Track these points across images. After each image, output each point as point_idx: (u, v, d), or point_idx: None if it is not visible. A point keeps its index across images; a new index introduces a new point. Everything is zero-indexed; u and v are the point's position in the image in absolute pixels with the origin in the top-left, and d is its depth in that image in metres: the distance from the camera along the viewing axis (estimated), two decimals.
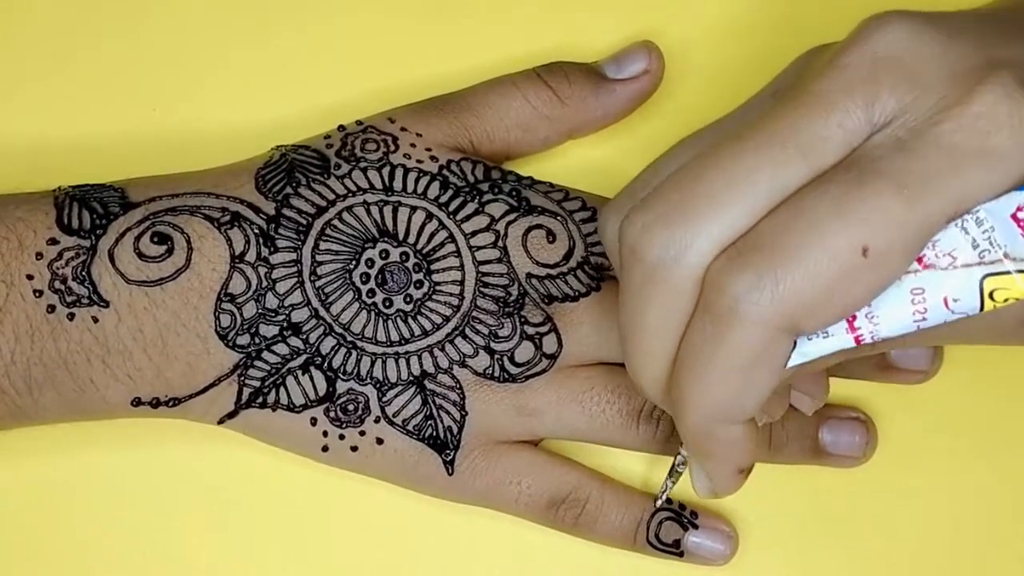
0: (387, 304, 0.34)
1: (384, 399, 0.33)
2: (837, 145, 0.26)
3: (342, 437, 0.33)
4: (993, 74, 0.25)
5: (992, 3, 0.31)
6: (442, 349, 0.34)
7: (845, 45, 0.26)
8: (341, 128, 0.35)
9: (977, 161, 0.25)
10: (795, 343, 0.26)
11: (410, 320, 0.34)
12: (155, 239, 0.33)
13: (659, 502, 0.34)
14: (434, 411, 0.33)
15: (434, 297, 0.34)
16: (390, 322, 0.33)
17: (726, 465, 0.29)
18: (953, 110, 0.25)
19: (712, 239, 0.26)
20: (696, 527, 0.35)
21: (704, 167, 0.26)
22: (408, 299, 0.34)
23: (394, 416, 0.33)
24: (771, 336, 0.26)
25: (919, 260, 0.26)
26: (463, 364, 0.33)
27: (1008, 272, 0.26)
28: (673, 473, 0.33)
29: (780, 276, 0.25)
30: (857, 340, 0.27)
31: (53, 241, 0.32)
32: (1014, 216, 0.25)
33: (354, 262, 0.33)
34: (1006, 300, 0.26)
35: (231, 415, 0.33)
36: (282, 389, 0.33)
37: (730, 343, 0.26)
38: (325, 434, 0.33)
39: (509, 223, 0.34)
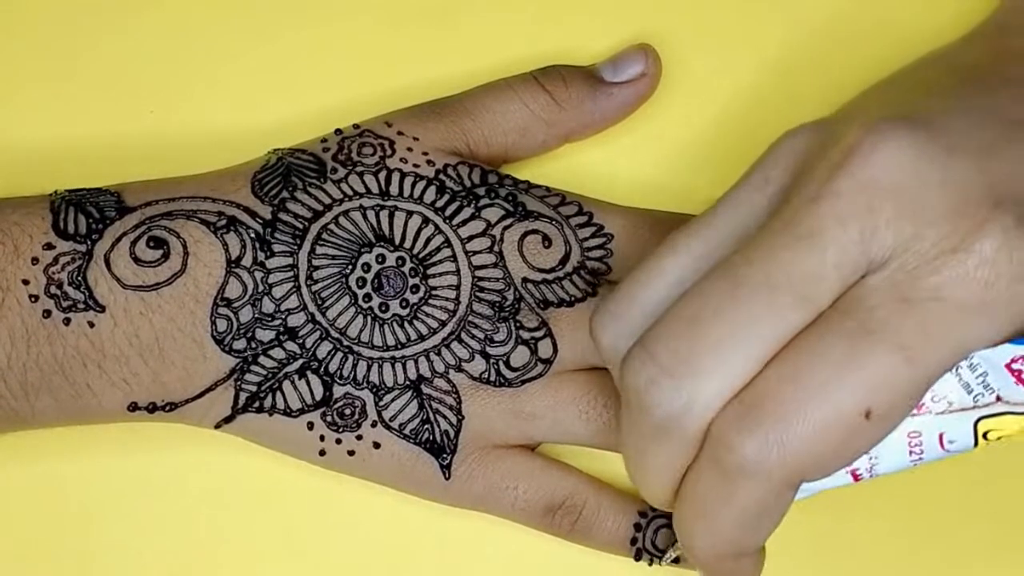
0: (383, 309, 0.33)
1: (381, 403, 0.33)
2: (833, 283, 0.26)
3: (339, 441, 0.33)
4: (993, 216, 0.25)
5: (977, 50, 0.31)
6: (438, 353, 0.34)
7: (839, 166, 0.26)
8: (338, 132, 0.35)
9: (975, 315, 0.25)
10: None
11: (406, 325, 0.34)
12: (151, 244, 0.33)
13: (665, 561, 0.34)
14: (431, 415, 0.33)
15: (430, 302, 0.34)
16: (386, 327, 0.33)
17: None
18: (953, 257, 0.25)
19: (717, 392, 0.26)
20: None
21: (704, 314, 0.26)
22: (404, 304, 0.34)
23: (391, 420, 0.33)
24: (777, 491, 0.26)
25: (917, 405, 0.26)
26: (459, 368, 0.33)
27: (1001, 414, 0.27)
28: (677, 549, 0.34)
29: (786, 440, 0.25)
30: (855, 477, 0.28)
31: (49, 246, 0.32)
32: (1008, 366, 0.26)
33: (350, 267, 0.33)
34: (999, 438, 0.27)
35: (228, 420, 0.33)
36: (279, 394, 0.33)
37: (739, 498, 0.26)
38: (322, 438, 0.33)
39: (505, 228, 0.34)
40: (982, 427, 0.27)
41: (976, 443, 0.27)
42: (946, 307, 0.25)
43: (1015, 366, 0.26)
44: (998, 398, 0.26)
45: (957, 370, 0.26)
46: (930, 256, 0.25)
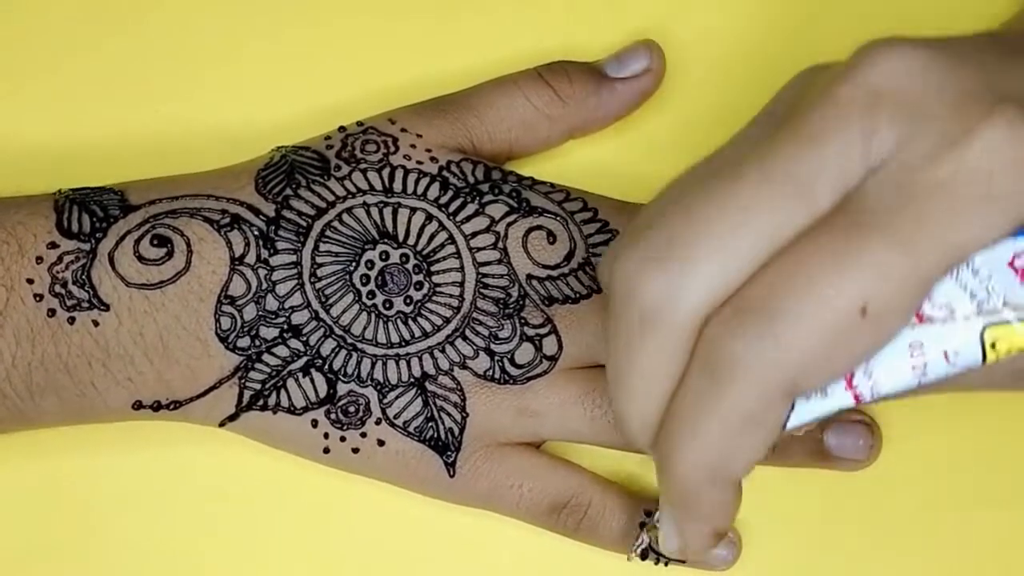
0: (387, 306, 0.33)
1: (385, 401, 0.33)
2: (834, 184, 0.25)
3: (343, 439, 0.33)
4: (997, 108, 0.24)
5: (1000, 28, 0.30)
6: (442, 351, 0.33)
7: (842, 73, 0.25)
8: (342, 129, 0.35)
9: (977, 208, 0.24)
10: (793, 404, 0.26)
11: (410, 322, 0.33)
12: (155, 242, 0.33)
13: (631, 556, 0.33)
14: (435, 413, 0.33)
15: (434, 299, 0.34)
16: (390, 324, 0.33)
17: (704, 526, 0.28)
18: (954, 151, 0.24)
19: (709, 283, 0.25)
20: None
21: (699, 204, 0.25)
22: (408, 301, 0.33)
23: (395, 418, 0.33)
24: (769, 397, 0.25)
25: (916, 314, 0.25)
26: (463, 366, 0.33)
27: (1009, 322, 0.25)
28: (650, 528, 0.33)
29: (778, 337, 0.24)
30: (856, 398, 0.26)
31: (53, 245, 0.32)
32: (1011, 264, 0.25)
33: (354, 264, 0.33)
34: (1009, 351, 0.25)
35: (232, 418, 0.33)
36: (283, 391, 0.33)
37: (727, 402, 0.25)
38: (326, 436, 0.33)
39: (509, 224, 0.34)
40: (989, 336, 0.25)
41: (984, 356, 0.25)
42: (945, 201, 0.24)
43: (1017, 263, 0.25)
44: (1005, 303, 0.25)
45: (958, 273, 0.25)
46: (931, 151, 0.24)
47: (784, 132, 0.25)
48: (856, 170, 0.25)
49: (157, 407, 0.33)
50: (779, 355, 0.24)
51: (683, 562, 0.34)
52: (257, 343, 0.33)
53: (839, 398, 0.26)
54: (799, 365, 0.24)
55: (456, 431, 0.33)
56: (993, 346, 0.25)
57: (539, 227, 0.34)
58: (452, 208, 0.34)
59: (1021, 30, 0.29)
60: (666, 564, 0.34)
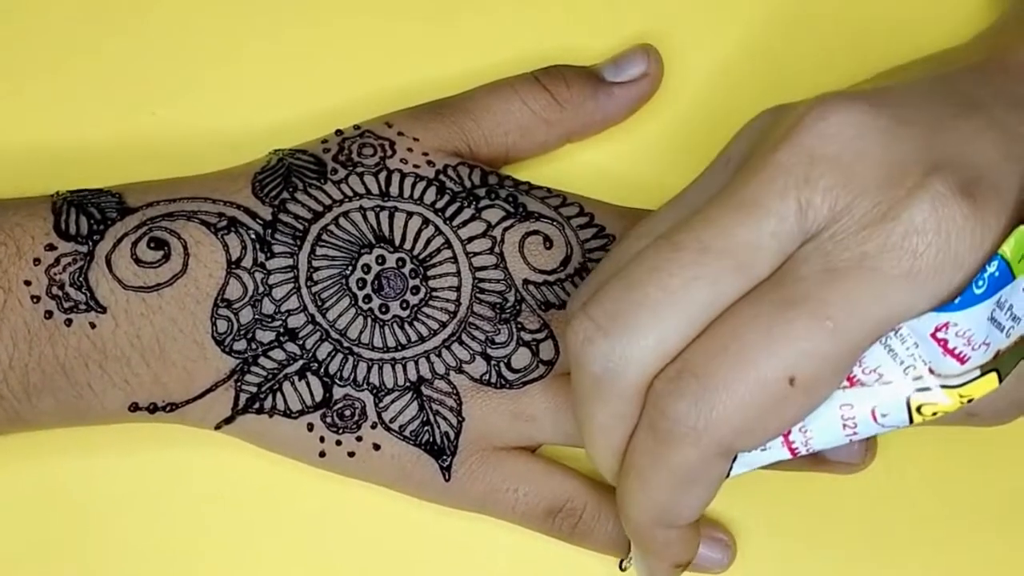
0: (383, 310, 0.33)
1: (381, 405, 0.33)
2: (771, 254, 0.26)
3: (339, 443, 0.33)
4: (926, 182, 0.25)
5: (970, 46, 0.31)
6: (439, 355, 0.33)
7: (783, 138, 0.26)
8: (339, 132, 0.35)
9: (900, 284, 0.25)
10: (736, 455, 0.27)
11: (406, 326, 0.33)
12: (152, 245, 0.33)
13: (625, 565, 0.34)
14: (431, 417, 0.33)
15: (430, 303, 0.34)
16: (387, 328, 0.33)
17: (663, 561, 0.30)
18: (881, 226, 0.25)
19: (651, 352, 0.26)
20: None
21: (642, 275, 0.27)
22: (404, 305, 0.34)
23: (391, 422, 0.33)
24: (708, 457, 0.26)
25: (848, 377, 0.26)
26: (460, 370, 0.33)
27: (932, 389, 0.26)
28: None
29: (713, 404, 0.26)
30: (793, 452, 0.27)
31: (51, 247, 0.32)
32: (933, 336, 0.25)
33: (350, 268, 0.33)
34: (934, 414, 0.26)
35: (228, 420, 0.33)
36: (279, 395, 0.33)
37: (669, 461, 0.27)
38: (322, 440, 0.33)
39: (506, 229, 0.34)
40: (915, 400, 0.26)
41: (911, 419, 0.26)
42: (871, 276, 0.25)
43: (940, 335, 0.25)
44: (931, 371, 0.26)
45: (887, 341, 0.26)
46: (860, 225, 0.25)
47: (725, 198, 0.26)
48: (794, 239, 0.26)
49: (153, 409, 0.33)
50: (715, 420, 0.26)
51: None
52: (253, 346, 0.33)
53: (777, 452, 0.28)
54: (734, 430, 0.26)
55: (452, 435, 0.33)
56: (919, 410, 0.26)
57: (535, 232, 0.34)
58: (448, 212, 0.34)
59: (983, 61, 0.30)
60: None
